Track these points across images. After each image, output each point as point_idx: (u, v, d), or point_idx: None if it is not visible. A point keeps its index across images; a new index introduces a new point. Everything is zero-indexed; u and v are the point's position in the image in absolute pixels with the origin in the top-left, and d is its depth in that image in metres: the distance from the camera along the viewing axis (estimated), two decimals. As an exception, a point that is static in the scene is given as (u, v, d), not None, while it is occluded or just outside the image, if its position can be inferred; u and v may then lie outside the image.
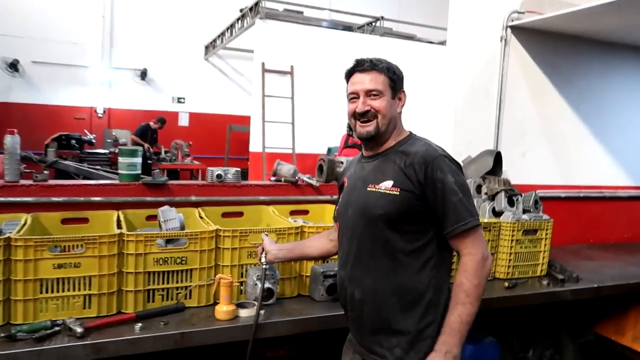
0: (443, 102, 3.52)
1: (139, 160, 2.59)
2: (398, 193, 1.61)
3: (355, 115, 1.71)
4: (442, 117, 3.49)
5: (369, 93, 1.68)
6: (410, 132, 1.80)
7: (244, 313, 2.04)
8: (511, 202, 2.85)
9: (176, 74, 11.28)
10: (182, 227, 2.21)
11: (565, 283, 2.73)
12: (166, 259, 2.05)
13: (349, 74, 1.75)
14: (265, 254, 2.01)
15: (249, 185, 2.81)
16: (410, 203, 1.61)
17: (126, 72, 10.91)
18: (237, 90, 11.58)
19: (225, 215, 2.71)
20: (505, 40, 3.41)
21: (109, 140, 9.95)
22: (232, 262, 2.17)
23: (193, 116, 11.61)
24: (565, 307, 3.04)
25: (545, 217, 2.84)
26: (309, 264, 2.32)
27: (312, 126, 7.61)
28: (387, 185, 1.64)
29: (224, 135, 10.65)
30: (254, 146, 7.58)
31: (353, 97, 1.72)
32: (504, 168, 3.27)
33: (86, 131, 9.63)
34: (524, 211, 2.86)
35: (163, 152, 8.07)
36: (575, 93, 3.71)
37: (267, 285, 2.06)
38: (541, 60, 3.56)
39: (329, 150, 6.68)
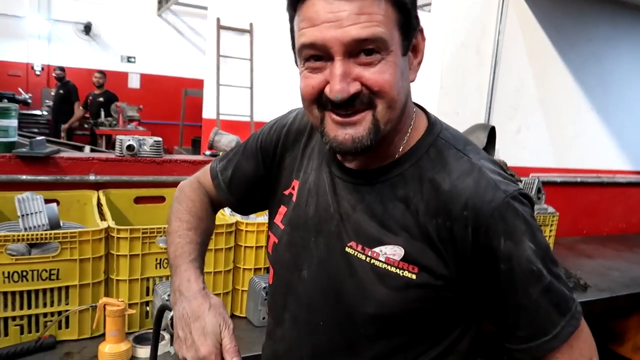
0: (425, 65, 2.87)
1: (12, 122, 1.85)
2: (414, 276, 0.77)
3: (321, 101, 0.75)
4: (424, 83, 2.85)
5: (355, 49, 0.69)
6: (428, 116, 0.87)
7: (143, 353, 1.40)
8: (510, 191, 2.27)
9: (125, 30, 10.19)
10: (55, 225, 1.51)
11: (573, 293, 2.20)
12: (25, 273, 1.37)
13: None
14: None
15: (174, 160, 2.12)
16: (434, 297, 0.78)
17: (67, 25, 9.76)
18: (194, 51, 10.62)
19: (139, 200, 2.03)
20: (504, -12, 2.78)
21: (47, 101, 8.89)
22: (130, 276, 1.51)
23: (145, 77, 10.60)
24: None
25: (551, 209, 2.28)
26: (246, 277, 1.68)
27: (273, 92, 6.86)
28: (391, 253, 0.78)
29: (179, 100, 9.74)
30: (208, 112, 6.82)
31: (313, 55, 0.73)
32: (496, 146, 2.69)
33: (21, 90, 8.53)
34: (525, 202, 2.30)
35: (103, 117, 7.10)
36: (577, 60, 3.14)
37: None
38: (544, 17, 2.96)
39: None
